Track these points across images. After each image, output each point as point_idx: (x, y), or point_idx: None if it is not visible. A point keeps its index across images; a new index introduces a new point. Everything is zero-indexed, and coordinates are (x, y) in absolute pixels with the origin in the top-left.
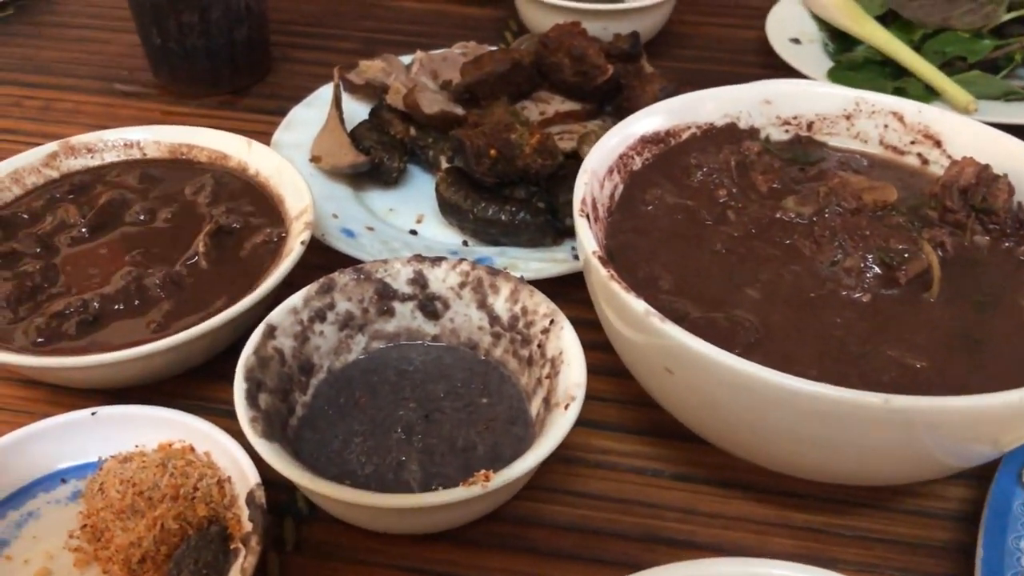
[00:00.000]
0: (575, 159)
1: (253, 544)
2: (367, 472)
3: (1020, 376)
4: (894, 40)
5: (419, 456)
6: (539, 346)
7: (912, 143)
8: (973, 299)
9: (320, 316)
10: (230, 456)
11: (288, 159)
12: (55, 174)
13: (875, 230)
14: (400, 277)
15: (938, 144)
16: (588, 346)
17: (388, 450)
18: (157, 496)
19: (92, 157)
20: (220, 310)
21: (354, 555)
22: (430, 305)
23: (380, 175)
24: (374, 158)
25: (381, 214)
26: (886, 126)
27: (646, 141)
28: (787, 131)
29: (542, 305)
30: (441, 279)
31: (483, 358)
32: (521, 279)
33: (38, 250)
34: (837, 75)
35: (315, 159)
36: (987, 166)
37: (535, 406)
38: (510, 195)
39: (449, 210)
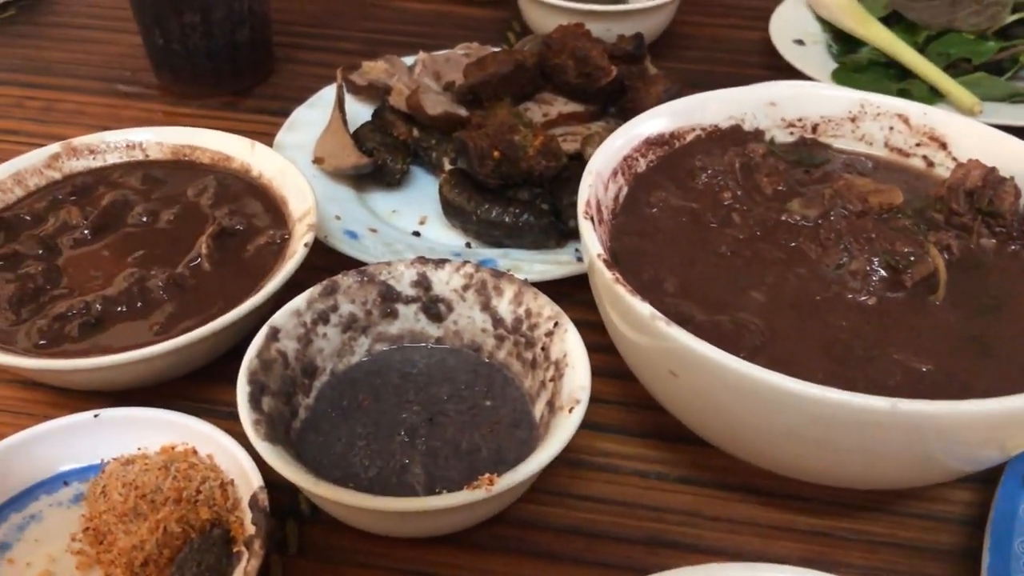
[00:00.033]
0: (579, 161)
1: (256, 547)
2: (371, 475)
3: None
4: (898, 41)
5: (423, 459)
6: (543, 349)
7: (917, 145)
8: (979, 302)
9: (323, 318)
10: (233, 459)
11: (291, 160)
12: (57, 175)
13: (881, 233)
14: (404, 279)
15: (944, 146)
16: (591, 348)
17: (392, 453)
18: (160, 499)
19: (94, 158)
20: (223, 312)
21: (357, 558)
22: (434, 307)
23: (383, 177)
24: (377, 159)
25: (384, 216)
26: (891, 128)
27: (650, 143)
28: (792, 133)
29: (546, 308)
30: (445, 281)
31: (487, 360)
32: (525, 281)
33: (40, 252)
34: (841, 77)
35: (318, 160)
36: (993, 169)
37: (539, 409)
38: (514, 197)
39: (452, 212)
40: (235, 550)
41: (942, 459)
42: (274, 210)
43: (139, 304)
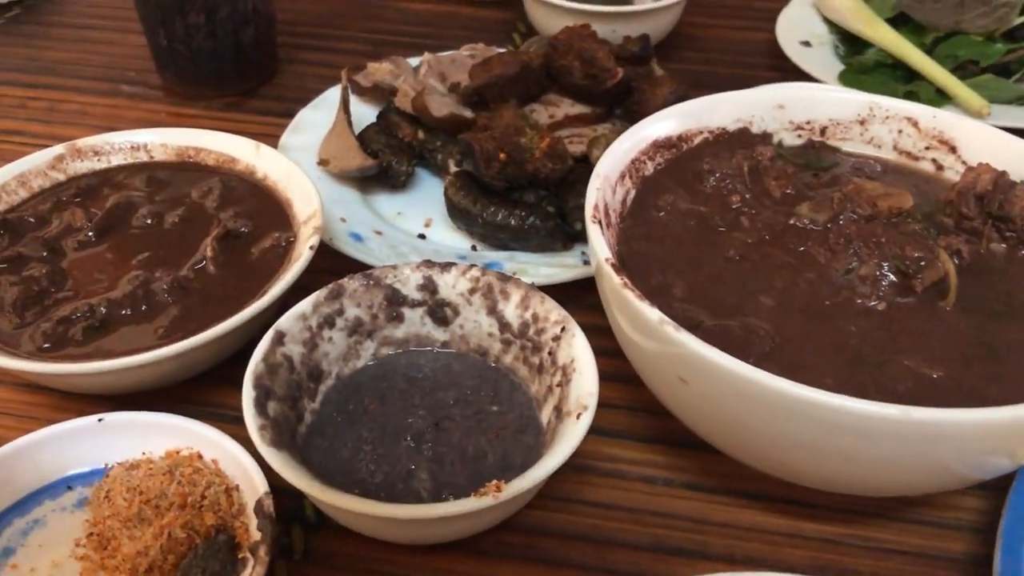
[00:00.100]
0: (585, 163)
1: (261, 554)
2: (376, 480)
3: None
4: (905, 43)
5: (429, 465)
6: (550, 353)
7: (927, 148)
8: (990, 308)
9: (329, 322)
10: (238, 464)
11: (295, 162)
12: (61, 177)
13: (890, 237)
14: (409, 283)
15: (953, 150)
16: (598, 352)
17: (398, 458)
18: (164, 504)
19: (99, 160)
20: (228, 315)
21: (363, 564)
22: (440, 311)
23: (388, 179)
24: (382, 161)
25: (389, 218)
26: (900, 131)
27: (658, 146)
28: (800, 136)
29: (553, 312)
30: (451, 285)
31: (493, 365)
32: (532, 285)
33: (44, 254)
34: (848, 78)
35: (323, 162)
36: (1004, 172)
37: (546, 414)
38: (519, 199)
39: (458, 214)
40: (240, 556)
41: (953, 467)
42: (279, 212)
43: (143, 307)
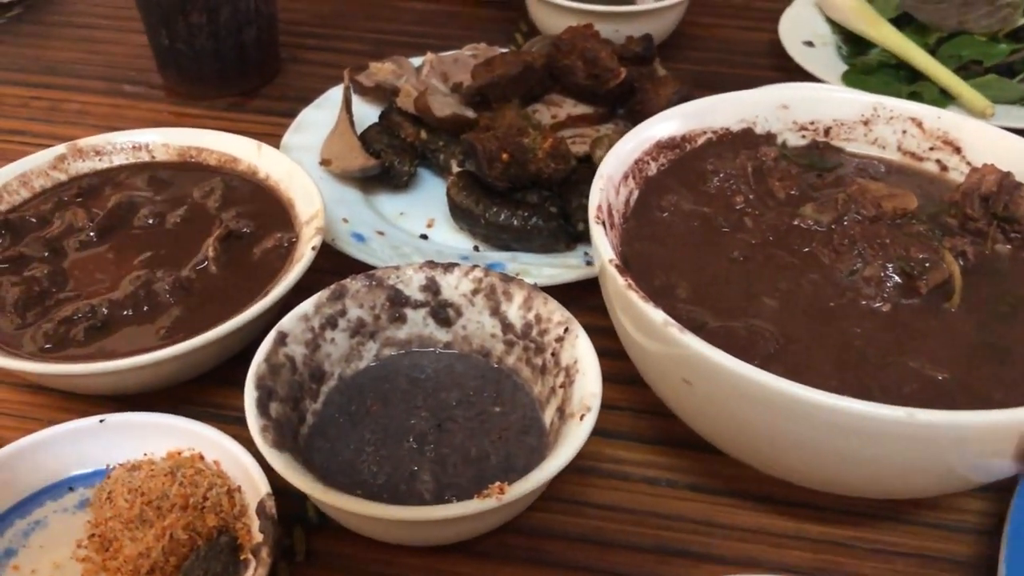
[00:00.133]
0: (587, 163)
1: (263, 555)
2: (379, 482)
3: None
4: (909, 43)
5: (431, 466)
6: (553, 354)
7: (931, 149)
8: (995, 309)
9: (331, 323)
10: (240, 465)
11: (297, 161)
12: (63, 177)
13: (895, 238)
14: (412, 283)
15: (958, 150)
16: (601, 353)
17: (400, 460)
18: (166, 505)
19: (100, 160)
20: (230, 316)
21: (365, 566)
22: (442, 312)
23: (391, 179)
24: (384, 162)
25: (391, 218)
26: (904, 132)
27: (661, 146)
28: (804, 136)
29: (556, 313)
30: (453, 286)
31: (496, 366)
32: (535, 286)
33: (46, 254)
34: (851, 78)
35: (325, 162)
36: (1009, 173)
37: (549, 415)
38: (522, 200)
39: (460, 215)
40: (242, 558)
41: (958, 469)
42: (281, 212)
43: (145, 308)
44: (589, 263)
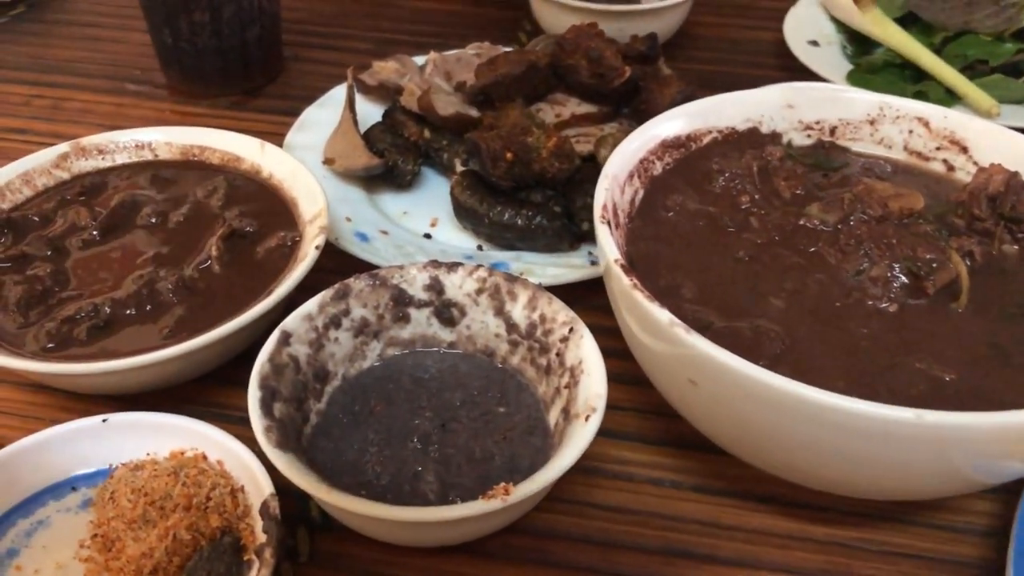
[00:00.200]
0: (592, 163)
1: (267, 556)
2: (383, 482)
3: None
4: (914, 43)
5: (435, 467)
6: (558, 355)
7: (937, 149)
8: (1002, 310)
9: (335, 322)
10: (243, 465)
11: (301, 160)
12: (66, 175)
13: (901, 238)
14: (416, 283)
15: (964, 150)
16: (605, 353)
17: (404, 460)
18: (169, 506)
19: (103, 158)
20: (233, 315)
21: (368, 567)
22: (446, 312)
23: (394, 178)
24: (388, 161)
25: (395, 217)
26: (911, 131)
27: (666, 145)
28: (809, 136)
29: (561, 313)
30: (458, 285)
31: (500, 366)
32: (539, 286)
33: (48, 253)
34: (856, 78)
35: (328, 161)
36: (1016, 173)
37: (553, 416)
38: (526, 199)
39: (464, 214)
40: (245, 558)
41: (965, 471)
42: (284, 211)
43: (148, 307)
44: (593, 263)
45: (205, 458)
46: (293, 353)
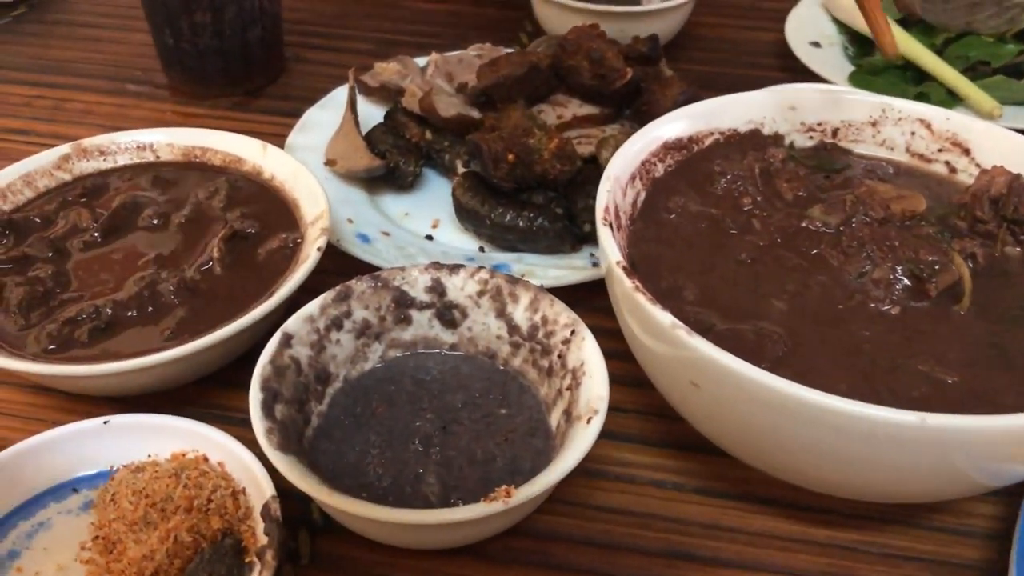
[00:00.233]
0: (593, 164)
1: (268, 558)
2: (384, 484)
3: None
4: (916, 44)
5: (437, 469)
6: (560, 356)
7: (940, 151)
8: (1006, 312)
9: (337, 324)
10: (245, 467)
11: (302, 162)
12: (67, 177)
13: (904, 240)
14: (418, 285)
15: (967, 152)
16: (607, 355)
17: (405, 462)
18: (170, 507)
19: (104, 160)
20: (235, 317)
21: (370, 569)
22: (448, 313)
23: (395, 179)
24: (389, 162)
25: (396, 219)
26: (913, 133)
27: (668, 147)
28: (812, 138)
29: (562, 315)
30: (459, 287)
31: (502, 368)
32: (541, 288)
33: (50, 254)
34: (858, 79)
35: (330, 162)
36: (1018, 175)
37: (555, 418)
38: (528, 200)
39: (465, 215)
40: (247, 560)
41: (968, 473)
42: (286, 213)
43: (149, 308)
44: (595, 264)
45: (206, 460)
46: (295, 355)
